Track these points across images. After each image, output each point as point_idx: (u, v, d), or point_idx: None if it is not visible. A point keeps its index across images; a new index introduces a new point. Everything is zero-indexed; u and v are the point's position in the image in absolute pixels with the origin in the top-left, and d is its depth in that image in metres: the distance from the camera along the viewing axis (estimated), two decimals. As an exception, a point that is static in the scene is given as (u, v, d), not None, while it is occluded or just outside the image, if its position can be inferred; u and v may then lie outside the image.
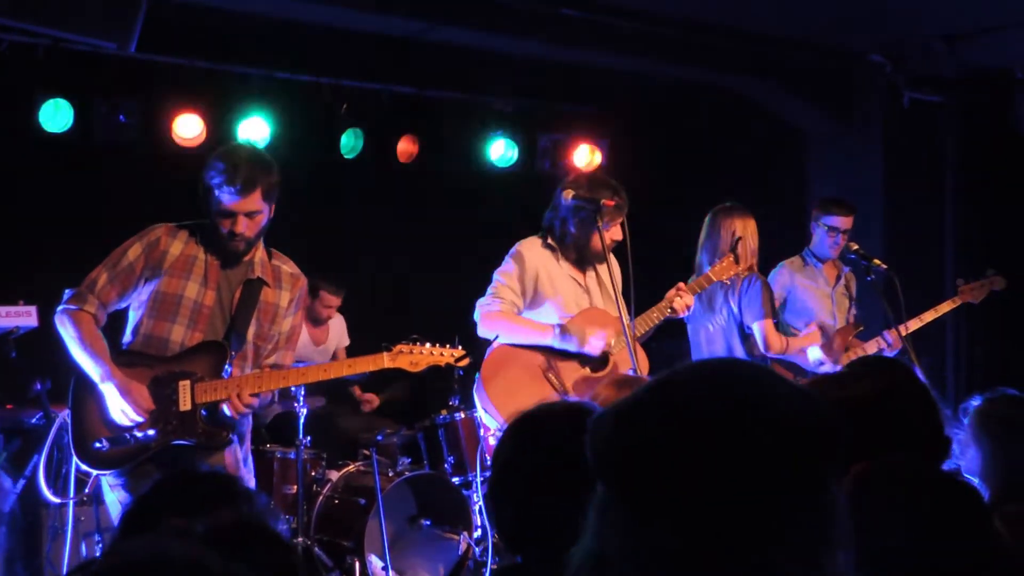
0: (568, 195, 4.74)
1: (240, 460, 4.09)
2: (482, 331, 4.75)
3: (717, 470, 1.22)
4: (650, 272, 4.84)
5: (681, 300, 4.80)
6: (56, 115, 6.18)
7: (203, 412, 3.92)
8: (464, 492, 5.64)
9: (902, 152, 7.16)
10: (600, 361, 4.76)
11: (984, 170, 7.12)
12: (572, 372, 4.73)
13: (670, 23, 6.50)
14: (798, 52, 6.98)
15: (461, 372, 5.15)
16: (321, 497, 5.77)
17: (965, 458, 3.14)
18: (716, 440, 1.22)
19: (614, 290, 4.78)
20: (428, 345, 4.31)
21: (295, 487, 5.59)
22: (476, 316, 4.77)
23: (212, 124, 6.59)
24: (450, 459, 5.81)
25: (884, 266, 5.30)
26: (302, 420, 5.44)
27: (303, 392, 5.48)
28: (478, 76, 7.11)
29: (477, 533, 5.57)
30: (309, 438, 5.53)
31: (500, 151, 7.40)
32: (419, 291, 7.30)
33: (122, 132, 6.35)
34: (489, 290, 4.80)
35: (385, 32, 6.49)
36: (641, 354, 4.68)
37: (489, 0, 6.13)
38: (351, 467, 5.92)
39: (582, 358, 4.75)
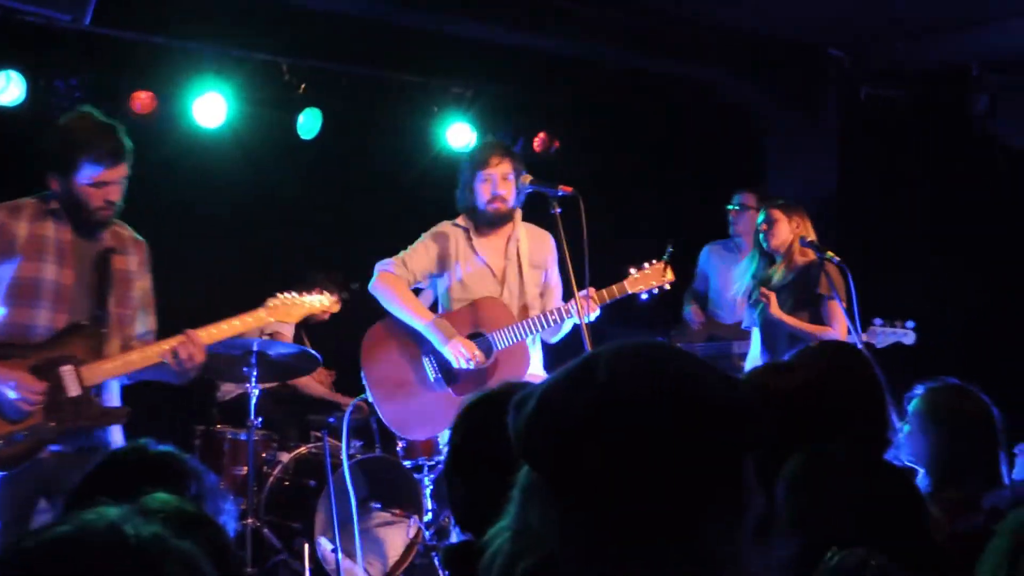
0: (527, 180, 4.78)
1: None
2: (372, 288, 4.93)
3: (641, 451, 1.22)
4: (607, 261, 4.81)
5: (583, 306, 4.64)
6: (7, 88, 6.06)
7: (93, 392, 3.82)
8: (415, 476, 5.61)
9: (858, 146, 7.20)
10: (484, 350, 4.80)
11: (940, 165, 7.16)
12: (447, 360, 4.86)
13: (630, 11, 6.49)
14: (758, 44, 7.00)
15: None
16: (271, 479, 5.74)
17: (907, 446, 3.18)
18: (640, 420, 1.23)
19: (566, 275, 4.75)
20: (303, 295, 4.33)
21: (245, 468, 5.55)
22: (373, 272, 4.94)
23: (166, 101, 6.51)
24: (402, 442, 5.77)
25: (837, 258, 5.31)
26: (253, 401, 5.39)
27: (255, 373, 5.43)
28: (438, 60, 7.05)
29: (427, 516, 5.54)
30: (260, 419, 5.49)
31: (459, 135, 7.35)
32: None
33: (76, 107, 6.21)
34: (397, 256, 4.96)
35: (347, 12, 6.42)
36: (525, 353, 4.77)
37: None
38: (302, 449, 5.89)
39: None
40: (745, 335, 5.94)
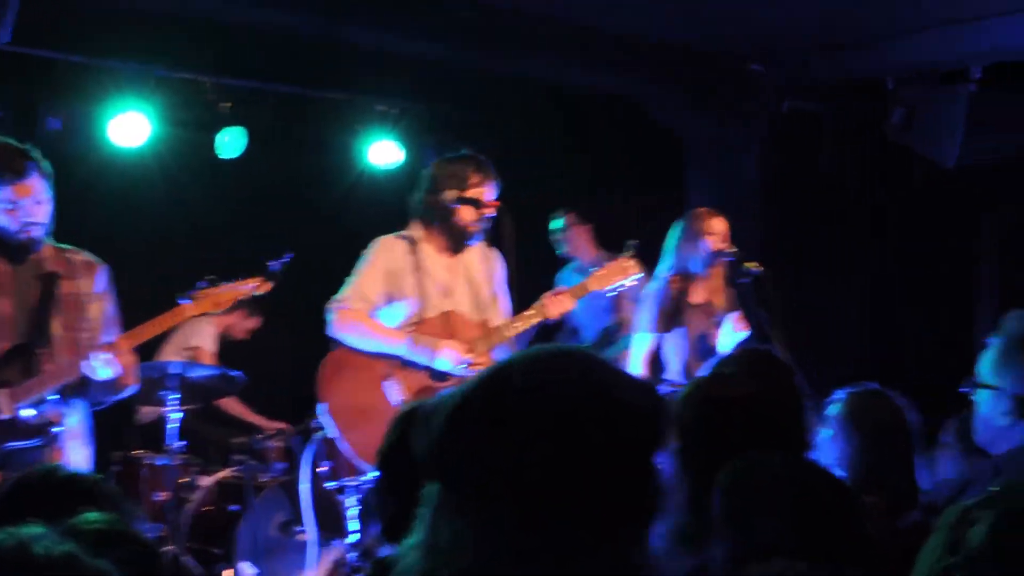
0: (452, 197, 4.66)
1: (88, 460, 4.03)
2: (334, 331, 4.58)
3: (555, 457, 1.21)
4: (529, 277, 4.79)
5: (557, 304, 4.62)
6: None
7: (19, 412, 3.79)
8: (339, 497, 5.52)
9: (780, 159, 7.24)
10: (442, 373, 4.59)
11: (860, 178, 7.23)
12: (416, 381, 4.55)
13: (553, 26, 6.49)
14: (680, 58, 7.02)
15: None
16: (192, 504, 5.64)
17: (827, 450, 3.17)
18: (553, 427, 1.22)
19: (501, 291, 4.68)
20: (227, 283, 4.22)
21: (165, 494, 5.46)
22: (327, 315, 4.59)
23: (86, 120, 6.40)
24: (325, 463, 5.70)
25: (758, 268, 5.30)
26: (173, 425, 5.31)
27: (175, 396, 5.35)
28: (364, 77, 7.00)
29: (352, 538, 5.45)
30: (181, 443, 5.39)
31: (384, 154, 7.30)
32: (303, 292, 7.16)
33: (-7, 127, 6.12)
34: (344, 289, 4.63)
35: (271, 29, 6.36)
36: None
37: (374, 0, 6.05)
38: (224, 473, 5.80)
39: (429, 369, 4.58)
40: None
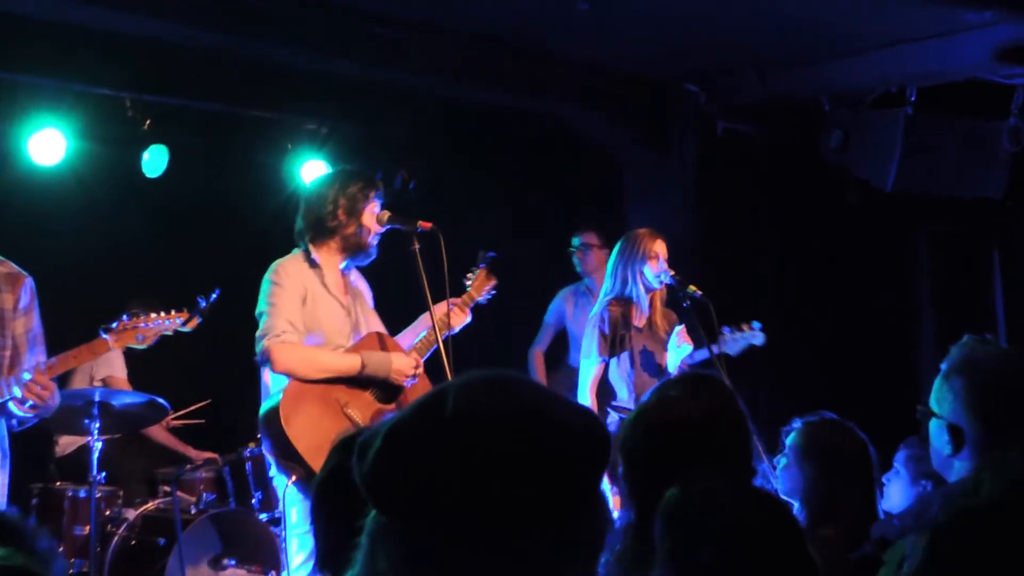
0: (384, 217, 4.56)
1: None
2: (280, 367, 4.24)
3: (492, 482, 1.21)
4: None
5: (457, 317, 4.62)
6: None
7: None
8: (272, 529, 5.38)
9: (716, 181, 7.25)
10: (390, 392, 4.45)
11: (794, 200, 7.27)
12: (367, 406, 4.39)
13: (485, 47, 6.45)
14: (612, 79, 7.03)
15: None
16: (116, 538, 5.50)
17: (783, 480, 3.21)
18: (490, 451, 1.21)
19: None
20: (151, 315, 4.04)
21: (87, 528, 5.29)
22: (263, 353, 4.26)
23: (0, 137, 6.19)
24: (257, 495, 5.59)
25: (700, 292, 5.31)
26: (96, 455, 5.13)
27: (97, 425, 5.17)
28: (291, 95, 6.87)
29: (285, 572, 5.31)
30: (104, 474, 5.21)
31: (314, 173, 7.16)
32: (227, 315, 7.00)
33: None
34: (267, 321, 4.30)
35: (194, 44, 6.20)
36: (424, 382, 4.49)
37: (303, 16, 5.94)
38: (150, 505, 5.64)
39: (374, 390, 4.41)
40: None
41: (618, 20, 5.99)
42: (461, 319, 4.69)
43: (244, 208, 7.09)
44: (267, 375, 4.40)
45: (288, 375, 4.25)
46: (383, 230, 4.57)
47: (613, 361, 5.30)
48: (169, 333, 4.10)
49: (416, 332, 4.68)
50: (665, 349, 5.36)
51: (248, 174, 7.04)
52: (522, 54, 6.59)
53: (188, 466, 5.92)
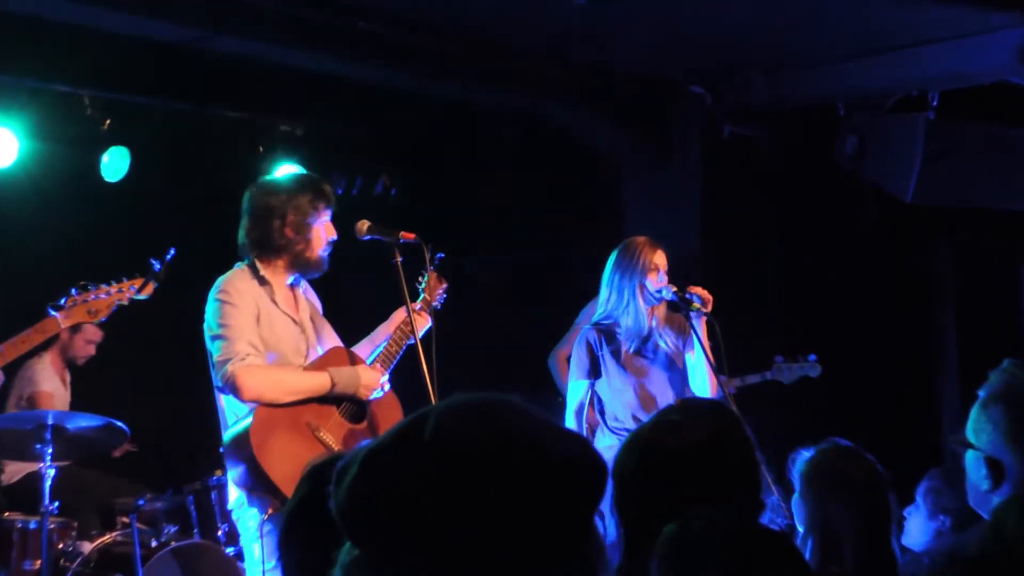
0: (364, 227, 4.60)
1: None
2: (247, 395, 4.19)
3: (474, 513, 1.21)
4: (450, 311, 4.80)
5: (419, 322, 4.62)
6: None
7: None
8: (239, 564, 5.40)
9: (722, 190, 7.28)
10: (357, 411, 4.45)
11: (805, 211, 7.31)
12: (337, 427, 4.37)
13: (475, 46, 6.48)
14: (614, 80, 7.06)
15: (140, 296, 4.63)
16: (70, 573, 5.50)
17: (795, 512, 3.17)
18: (471, 480, 1.22)
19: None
20: (102, 286, 4.01)
21: (39, 562, 5.30)
22: (228, 380, 4.17)
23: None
24: (223, 526, 5.60)
25: (704, 310, 5.29)
26: (48, 483, 5.13)
27: (49, 451, 5.17)
28: (264, 93, 6.90)
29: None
30: (57, 504, 5.20)
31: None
32: (181, 323, 7.03)
33: None
34: (225, 345, 4.23)
35: (159, 39, 6.22)
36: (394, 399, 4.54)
37: (277, 8, 5.96)
38: (107, 537, 5.64)
39: (342, 408, 4.40)
40: None
41: (618, 16, 6.02)
42: (421, 324, 4.65)
43: (212, 216, 7.10)
44: (223, 400, 4.38)
45: (257, 402, 4.22)
46: (364, 239, 4.60)
47: (607, 383, 5.34)
48: (124, 303, 4.06)
49: (374, 343, 4.67)
50: (666, 368, 5.37)
51: (216, 179, 7.03)
52: (515, 52, 6.62)
53: (148, 495, 5.92)
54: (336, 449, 4.31)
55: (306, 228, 4.43)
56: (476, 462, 1.23)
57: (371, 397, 4.42)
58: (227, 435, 4.31)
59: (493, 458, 1.23)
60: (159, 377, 7.05)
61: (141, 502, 5.71)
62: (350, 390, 4.35)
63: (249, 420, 4.19)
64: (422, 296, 4.81)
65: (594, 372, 5.35)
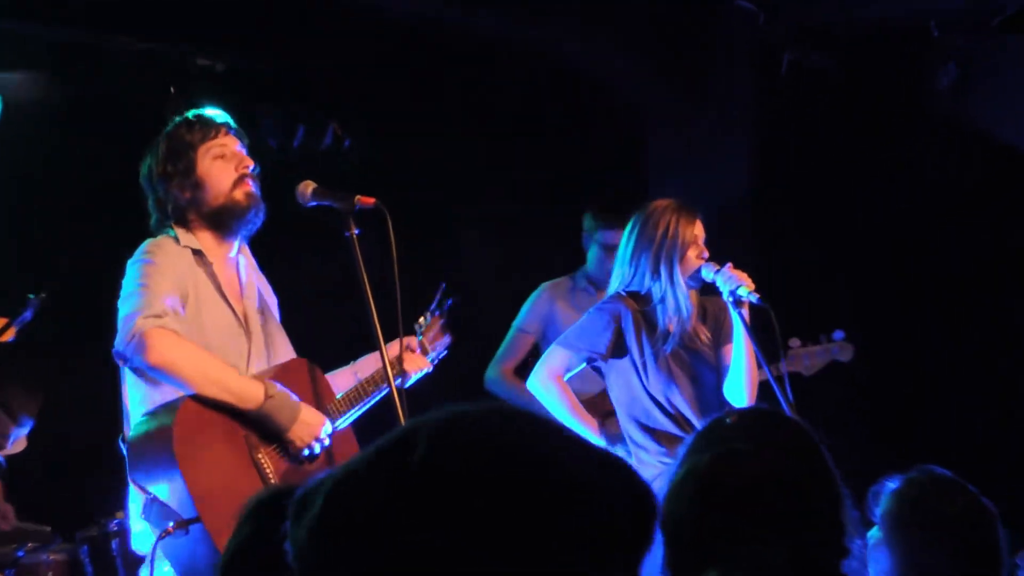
0: (308, 189, 4.59)
1: None
2: (154, 358, 4.14)
3: (469, 551, 1.23)
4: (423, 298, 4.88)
5: (414, 363, 4.73)
6: None
7: None
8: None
9: (779, 137, 7.31)
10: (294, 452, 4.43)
11: (889, 163, 7.32)
12: (277, 458, 4.36)
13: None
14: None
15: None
16: None
17: (875, 559, 3.21)
18: (469, 512, 1.24)
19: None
20: None
21: None
22: (133, 336, 4.16)
23: None
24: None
25: (757, 295, 5.26)
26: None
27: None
28: (176, 17, 6.84)
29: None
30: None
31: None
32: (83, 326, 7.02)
33: None
34: (135, 300, 4.25)
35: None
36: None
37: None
38: (-25, 599, 5.61)
39: (285, 443, 4.38)
40: None
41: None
42: (418, 365, 4.74)
43: (110, 172, 7.05)
44: (128, 389, 4.36)
45: (165, 372, 4.18)
46: (310, 204, 4.59)
47: (636, 379, 5.38)
48: None
49: (354, 374, 4.70)
50: (706, 367, 5.44)
51: (115, 125, 6.98)
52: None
53: (30, 545, 5.86)
54: (272, 482, 4.31)
55: (191, 168, 4.54)
56: (478, 494, 1.25)
57: (302, 449, 4.36)
58: (138, 422, 4.25)
59: (501, 489, 1.25)
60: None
61: (20, 553, 5.69)
62: (281, 421, 4.29)
63: (174, 410, 4.15)
64: (419, 337, 4.88)
65: (614, 350, 5.38)
